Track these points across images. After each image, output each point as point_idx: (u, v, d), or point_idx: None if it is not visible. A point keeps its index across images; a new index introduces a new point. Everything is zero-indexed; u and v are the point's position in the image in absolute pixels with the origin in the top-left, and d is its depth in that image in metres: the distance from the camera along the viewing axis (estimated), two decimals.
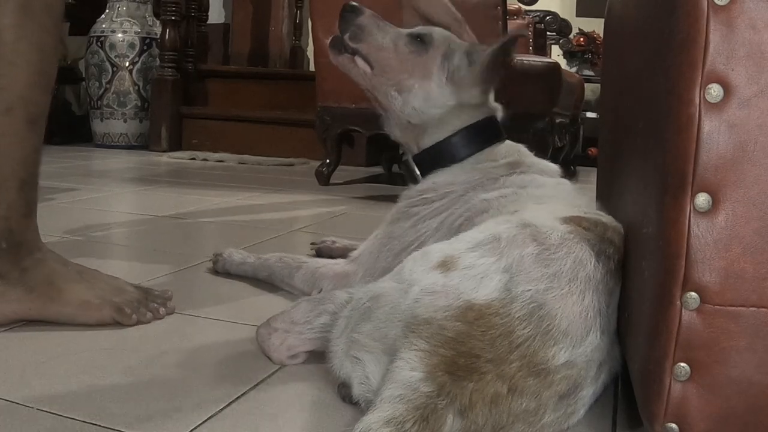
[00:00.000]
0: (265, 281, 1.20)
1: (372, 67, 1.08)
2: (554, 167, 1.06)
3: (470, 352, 0.63)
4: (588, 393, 0.70)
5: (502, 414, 0.63)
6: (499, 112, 1.12)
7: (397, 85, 1.06)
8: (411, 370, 0.62)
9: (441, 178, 1.06)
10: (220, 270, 1.26)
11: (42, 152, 0.94)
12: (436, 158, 1.08)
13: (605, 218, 0.80)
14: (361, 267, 1.08)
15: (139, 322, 0.96)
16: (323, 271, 1.12)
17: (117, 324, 0.95)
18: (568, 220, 0.76)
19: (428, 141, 1.08)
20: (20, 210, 0.92)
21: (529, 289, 0.66)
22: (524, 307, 0.65)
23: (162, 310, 1.00)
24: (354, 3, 1.09)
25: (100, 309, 0.94)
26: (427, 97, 1.05)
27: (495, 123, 1.10)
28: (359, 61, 1.09)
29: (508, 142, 1.09)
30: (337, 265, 1.12)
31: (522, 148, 1.09)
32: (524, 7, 3.68)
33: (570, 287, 0.68)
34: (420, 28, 1.09)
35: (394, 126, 1.12)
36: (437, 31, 1.09)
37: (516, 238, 0.71)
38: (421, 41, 1.06)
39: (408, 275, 0.71)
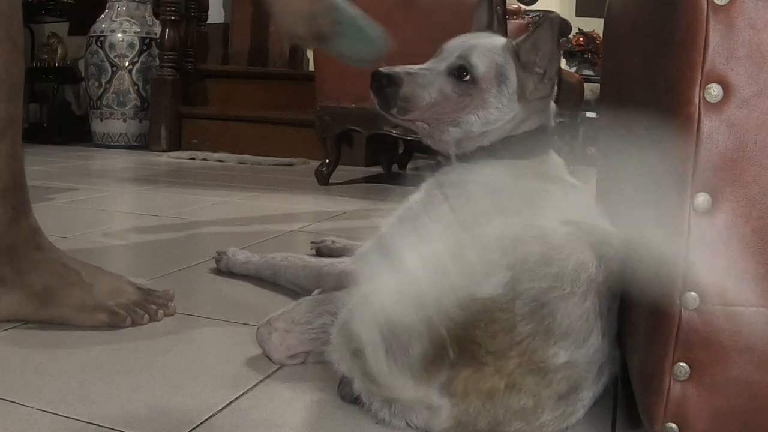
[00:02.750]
0: (267, 280, 1.20)
1: (429, 124, 1.05)
2: (578, 183, 1.04)
3: (473, 339, 0.64)
4: (588, 395, 0.70)
5: (499, 410, 0.64)
6: (552, 116, 1.08)
7: (454, 122, 1.03)
8: None
9: (467, 174, 1.03)
10: (223, 269, 1.26)
11: (20, 156, 0.93)
12: (478, 153, 1.04)
13: (602, 224, 0.80)
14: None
15: (134, 324, 0.96)
16: (328, 269, 1.12)
17: (113, 326, 0.95)
18: (568, 223, 0.76)
19: (482, 142, 1.04)
20: (4, 218, 0.92)
21: (533, 287, 0.66)
22: (526, 305, 0.65)
23: (160, 312, 0.99)
24: (384, 71, 1.01)
25: (94, 312, 0.94)
26: (485, 121, 1.02)
27: (544, 133, 1.06)
28: (417, 123, 1.06)
29: (552, 155, 1.06)
30: (342, 263, 1.12)
31: (560, 165, 1.06)
32: (524, 7, 3.68)
33: (572, 288, 0.68)
34: (456, 57, 1.02)
35: (445, 143, 1.07)
36: (475, 55, 1.01)
37: (521, 238, 0.71)
38: (466, 76, 1.00)
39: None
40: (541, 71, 1.01)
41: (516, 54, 1.01)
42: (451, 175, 1.06)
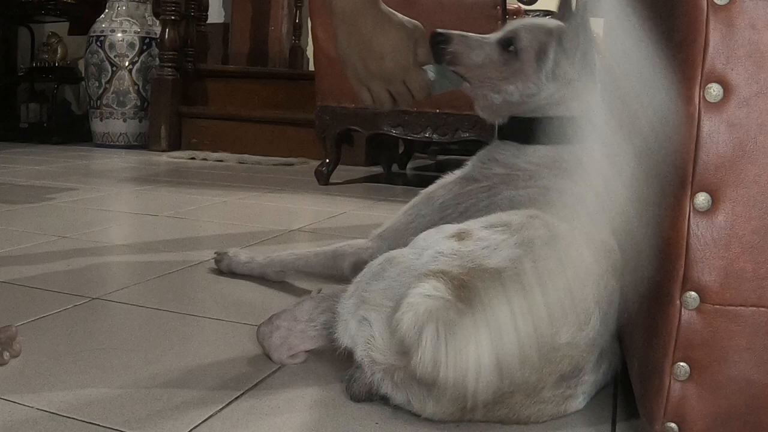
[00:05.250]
0: (274, 279, 1.20)
1: (470, 83, 1.10)
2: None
3: (486, 303, 0.64)
4: (589, 379, 0.71)
5: (504, 381, 0.64)
6: (597, 108, 1.05)
7: (495, 88, 1.08)
8: (434, 290, 0.64)
9: (500, 154, 1.06)
10: (225, 270, 1.25)
11: None
12: (515, 130, 1.07)
13: (599, 226, 0.81)
14: (385, 243, 1.07)
15: None
16: (344, 248, 1.12)
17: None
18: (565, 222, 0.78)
19: (517, 112, 1.08)
20: None
21: (538, 266, 0.67)
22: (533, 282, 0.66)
23: (6, 354, 0.81)
24: (440, 31, 1.10)
25: None
26: (523, 93, 1.06)
27: (581, 123, 1.02)
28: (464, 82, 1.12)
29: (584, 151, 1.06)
30: (358, 241, 1.12)
31: (586, 163, 1.06)
32: (524, 7, 3.68)
33: (574, 273, 0.69)
34: (507, 32, 1.09)
35: (487, 109, 1.12)
36: (523, 31, 1.08)
37: (527, 223, 0.74)
38: (511, 47, 1.07)
39: (423, 243, 0.73)
40: (575, 53, 1.04)
41: (560, 37, 1.05)
42: (497, 150, 1.08)
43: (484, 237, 0.71)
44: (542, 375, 0.66)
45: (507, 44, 1.08)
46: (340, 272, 1.10)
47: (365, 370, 0.70)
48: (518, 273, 0.66)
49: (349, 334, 0.71)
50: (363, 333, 0.70)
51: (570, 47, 1.03)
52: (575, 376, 0.69)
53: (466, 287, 0.65)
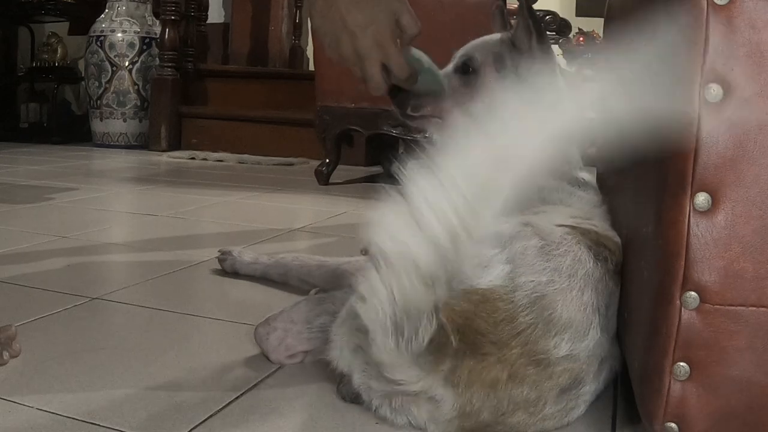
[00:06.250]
0: (276, 280, 1.20)
1: (441, 118, 1.08)
2: (590, 182, 1.04)
3: (476, 329, 0.64)
4: (590, 389, 0.70)
5: (502, 400, 0.65)
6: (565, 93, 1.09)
7: (465, 111, 1.07)
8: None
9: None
10: (229, 269, 1.25)
11: None
12: None
13: (598, 228, 0.81)
14: None
15: None
16: (346, 267, 1.12)
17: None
18: (562, 226, 0.77)
19: None
20: None
21: (532, 280, 0.67)
22: (526, 296, 0.66)
23: (5, 354, 0.81)
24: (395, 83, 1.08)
25: None
26: (490, 105, 1.03)
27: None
28: (430, 118, 1.10)
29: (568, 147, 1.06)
30: (360, 260, 1.12)
31: (571, 154, 1.06)
32: None
33: (570, 282, 0.69)
34: (459, 57, 1.09)
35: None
36: (475, 50, 1.08)
37: (519, 233, 0.72)
38: (469, 69, 1.07)
39: None
40: (530, 50, 1.05)
41: (512, 42, 1.06)
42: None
43: (474, 254, 0.69)
44: (542, 391, 0.66)
45: (465, 68, 1.07)
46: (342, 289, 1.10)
47: (363, 397, 0.71)
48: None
49: (345, 361, 0.71)
50: (358, 361, 0.70)
51: (522, 44, 1.04)
52: (575, 387, 0.68)
53: (456, 319, 0.65)
